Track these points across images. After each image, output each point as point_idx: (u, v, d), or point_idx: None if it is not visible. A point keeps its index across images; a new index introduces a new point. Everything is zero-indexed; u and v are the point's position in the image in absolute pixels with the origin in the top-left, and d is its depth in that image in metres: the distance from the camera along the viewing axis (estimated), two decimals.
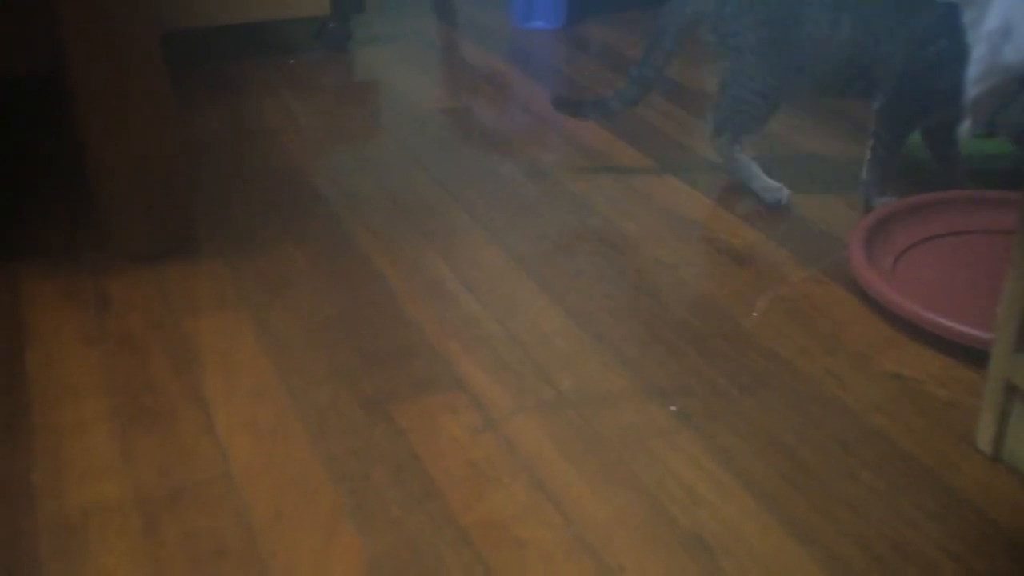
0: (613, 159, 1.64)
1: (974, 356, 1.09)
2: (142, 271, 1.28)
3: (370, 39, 2.25)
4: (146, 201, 1.29)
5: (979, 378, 1.07)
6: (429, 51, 2.29)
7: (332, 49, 2.18)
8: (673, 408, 1.04)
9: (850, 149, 1.66)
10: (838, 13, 1.39)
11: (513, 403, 1.04)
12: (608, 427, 1.01)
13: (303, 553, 0.86)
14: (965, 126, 0.72)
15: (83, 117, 1.26)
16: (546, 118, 1.84)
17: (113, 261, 1.30)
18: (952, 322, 1.11)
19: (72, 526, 0.88)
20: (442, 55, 2.30)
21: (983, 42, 0.69)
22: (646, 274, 1.31)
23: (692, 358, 1.12)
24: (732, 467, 0.95)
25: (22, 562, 0.85)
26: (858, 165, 1.45)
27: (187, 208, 1.33)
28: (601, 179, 1.56)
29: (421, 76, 2.08)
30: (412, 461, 0.96)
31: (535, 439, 0.99)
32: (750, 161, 1.48)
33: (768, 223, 1.42)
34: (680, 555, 0.86)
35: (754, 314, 1.20)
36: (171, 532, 0.88)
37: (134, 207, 1.29)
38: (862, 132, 1.69)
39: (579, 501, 0.91)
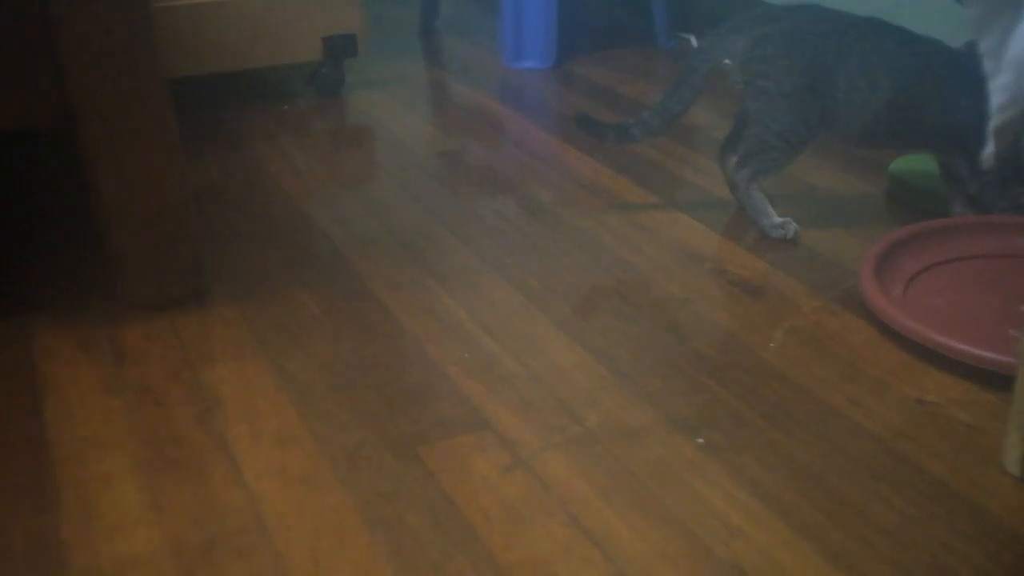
0: (615, 195, 1.65)
1: (991, 379, 1.10)
2: (155, 320, 1.27)
3: (363, 83, 2.26)
4: (156, 250, 1.29)
5: (999, 400, 1.08)
6: (422, 94, 2.31)
7: (325, 94, 2.18)
8: (700, 440, 1.04)
9: (854, 184, 1.68)
10: (878, 73, 1.38)
11: (541, 440, 1.04)
12: (637, 461, 1.01)
13: None
14: (988, 152, 0.73)
15: (91, 167, 1.26)
16: (544, 156, 1.86)
17: (125, 311, 1.29)
18: (972, 347, 1.12)
19: None
20: (436, 97, 2.31)
21: (1008, 71, 0.71)
22: (660, 308, 1.31)
23: (714, 390, 1.13)
24: (765, 498, 0.96)
25: None
26: (862, 199, 1.46)
27: (197, 256, 1.33)
28: (605, 215, 1.57)
29: (416, 119, 2.09)
30: (446, 503, 0.95)
31: (566, 476, 0.99)
32: (764, 198, 1.48)
33: (776, 254, 1.44)
34: None
35: (772, 344, 1.21)
36: None
37: (144, 256, 1.29)
38: (866, 167, 1.72)
39: (617, 536, 0.91)
